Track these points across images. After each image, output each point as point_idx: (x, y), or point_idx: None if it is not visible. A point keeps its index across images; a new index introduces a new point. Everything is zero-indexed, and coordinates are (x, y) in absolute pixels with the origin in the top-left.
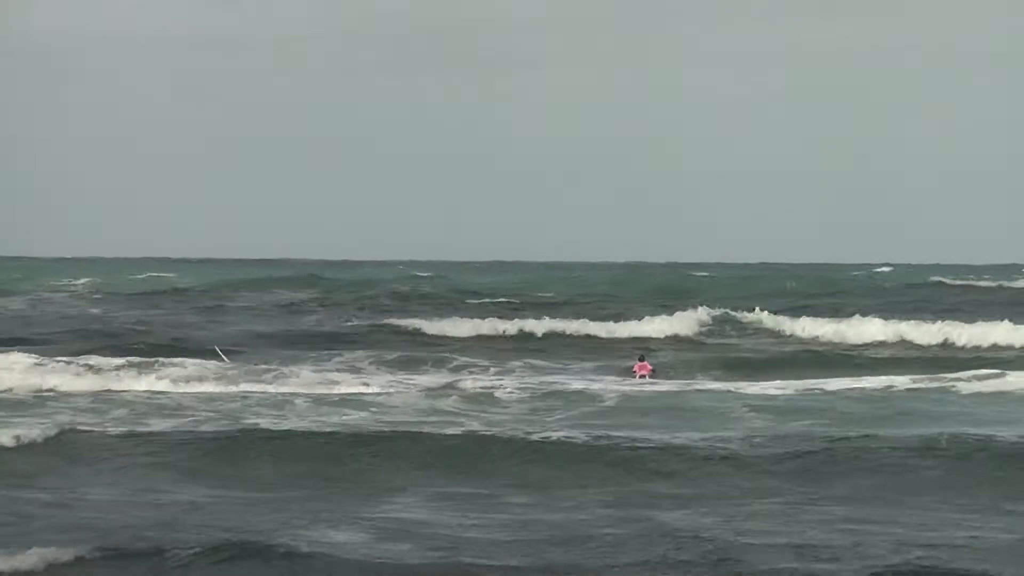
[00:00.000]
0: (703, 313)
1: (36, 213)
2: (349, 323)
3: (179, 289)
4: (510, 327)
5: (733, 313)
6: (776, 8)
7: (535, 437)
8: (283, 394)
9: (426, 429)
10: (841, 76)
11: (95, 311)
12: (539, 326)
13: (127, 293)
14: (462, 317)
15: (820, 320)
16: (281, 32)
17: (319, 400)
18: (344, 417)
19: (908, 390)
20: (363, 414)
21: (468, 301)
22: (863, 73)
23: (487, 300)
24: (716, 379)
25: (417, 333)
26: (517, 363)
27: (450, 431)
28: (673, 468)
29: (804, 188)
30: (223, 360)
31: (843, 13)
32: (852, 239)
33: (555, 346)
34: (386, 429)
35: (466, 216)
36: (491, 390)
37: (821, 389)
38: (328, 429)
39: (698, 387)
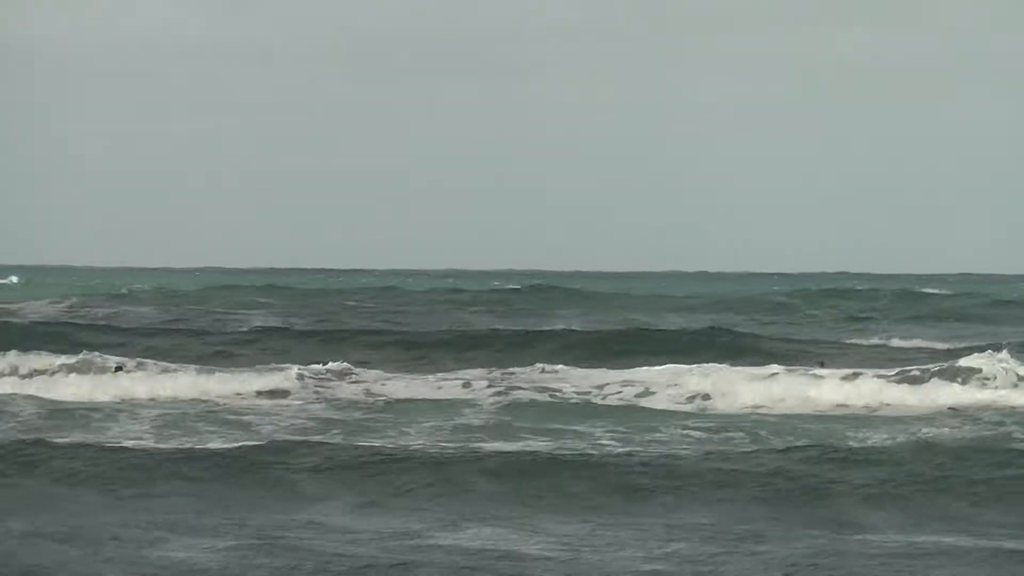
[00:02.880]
0: None
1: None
2: None
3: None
4: None
5: None
6: (783, 15)
7: None
8: None
9: None
10: (846, 82)
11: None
12: None
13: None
14: None
15: None
16: (290, 39)
17: None
18: None
19: None
20: None
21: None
22: (869, 79)
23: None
24: None
25: None
26: None
27: None
28: None
29: (811, 195)
30: None
31: (846, 20)
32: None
33: None
34: None
35: (475, 222)
36: None
37: None
38: None
39: None
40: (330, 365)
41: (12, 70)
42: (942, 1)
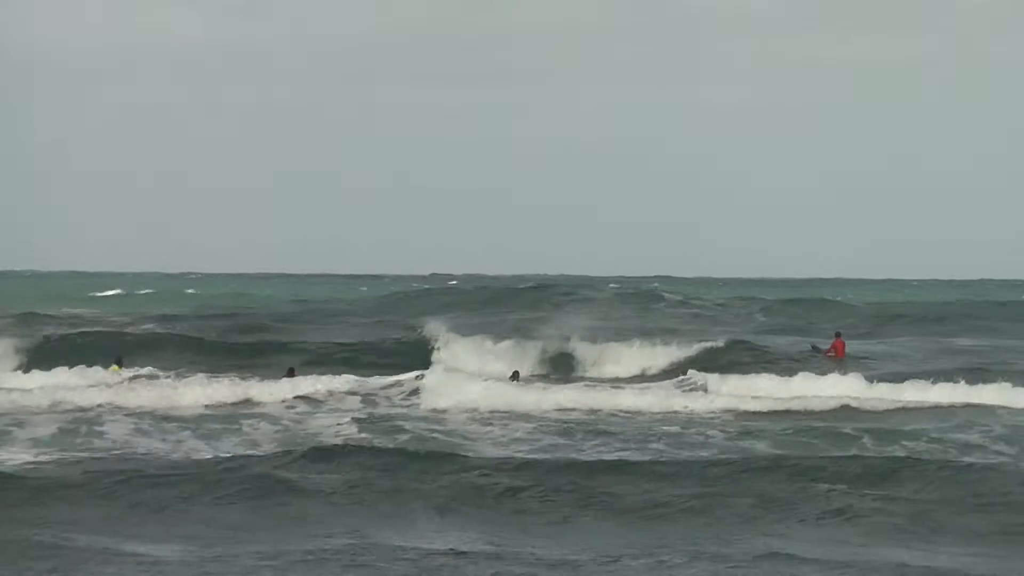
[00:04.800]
0: None
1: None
2: None
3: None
4: None
5: None
6: (794, 20)
7: None
8: None
9: None
10: (856, 87)
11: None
12: None
13: None
14: None
15: None
16: (298, 43)
17: None
18: None
19: None
20: None
21: None
22: (880, 85)
23: None
24: None
25: None
26: None
27: None
28: None
29: (815, 199)
30: None
31: (855, 26)
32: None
33: None
34: None
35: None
36: None
37: None
38: None
39: None
40: None
41: (16, 74)
42: (943, 5)
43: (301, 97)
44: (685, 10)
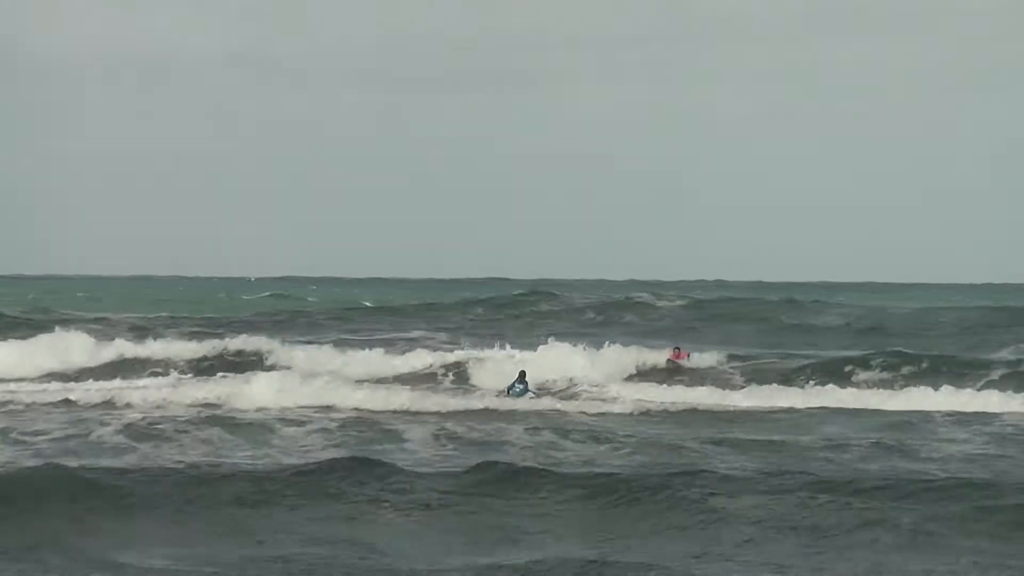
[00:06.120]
0: None
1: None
2: None
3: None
4: None
5: None
6: (795, 24)
7: None
8: None
9: None
10: (869, 91)
11: None
12: None
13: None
14: None
15: None
16: (305, 49)
17: None
18: None
19: None
20: None
21: None
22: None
23: None
24: None
25: None
26: None
27: None
28: None
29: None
30: None
31: (871, 30)
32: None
33: None
34: None
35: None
36: None
37: None
38: None
39: None
40: None
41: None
42: (943, 9)
43: (305, 102)
44: (686, 15)
